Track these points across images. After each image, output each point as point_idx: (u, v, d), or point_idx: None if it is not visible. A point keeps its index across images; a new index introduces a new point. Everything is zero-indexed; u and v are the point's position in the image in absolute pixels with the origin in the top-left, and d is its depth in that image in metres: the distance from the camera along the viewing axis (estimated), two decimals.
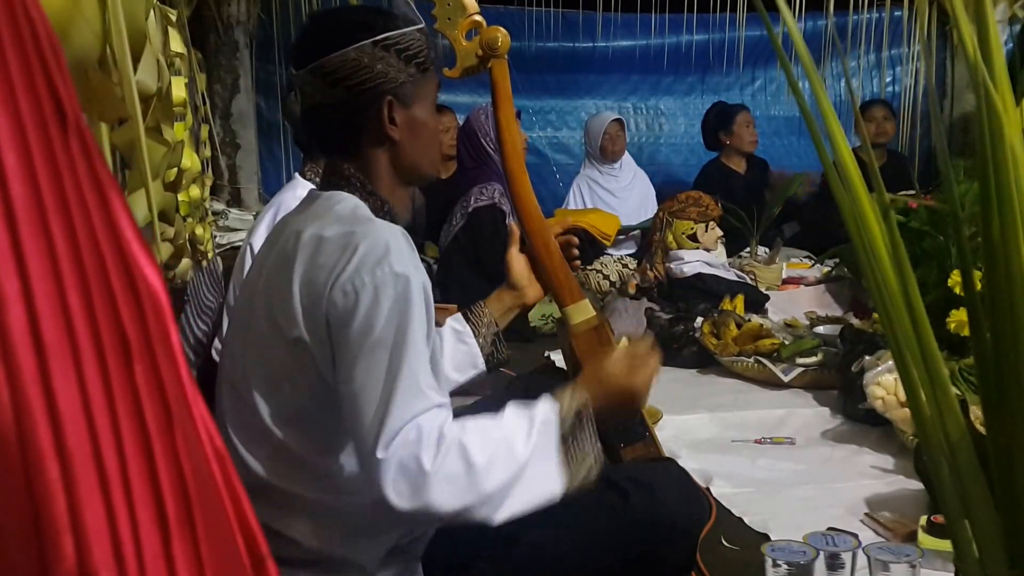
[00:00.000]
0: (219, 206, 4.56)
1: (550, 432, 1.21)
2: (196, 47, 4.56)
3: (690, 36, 5.67)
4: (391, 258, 1.13)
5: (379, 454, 1.09)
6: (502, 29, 1.62)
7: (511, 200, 1.69)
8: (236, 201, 5.04)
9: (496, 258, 3.37)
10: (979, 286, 1.99)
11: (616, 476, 1.42)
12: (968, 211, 2.19)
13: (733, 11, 5.54)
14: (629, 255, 4.27)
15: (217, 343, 2.23)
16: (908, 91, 5.83)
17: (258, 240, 2.13)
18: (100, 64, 0.98)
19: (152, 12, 1.34)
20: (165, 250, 1.89)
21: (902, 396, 1.91)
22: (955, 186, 1.14)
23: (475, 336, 1.57)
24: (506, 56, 1.65)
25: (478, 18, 1.64)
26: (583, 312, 1.69)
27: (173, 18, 2.81)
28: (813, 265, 3.84)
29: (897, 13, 5.73)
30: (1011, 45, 4.47)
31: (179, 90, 2.62)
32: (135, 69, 1.21)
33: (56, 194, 0.41)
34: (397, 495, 1.09)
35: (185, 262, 2.06)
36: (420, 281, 1.16)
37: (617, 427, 1.60)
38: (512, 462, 1.16)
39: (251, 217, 4.56)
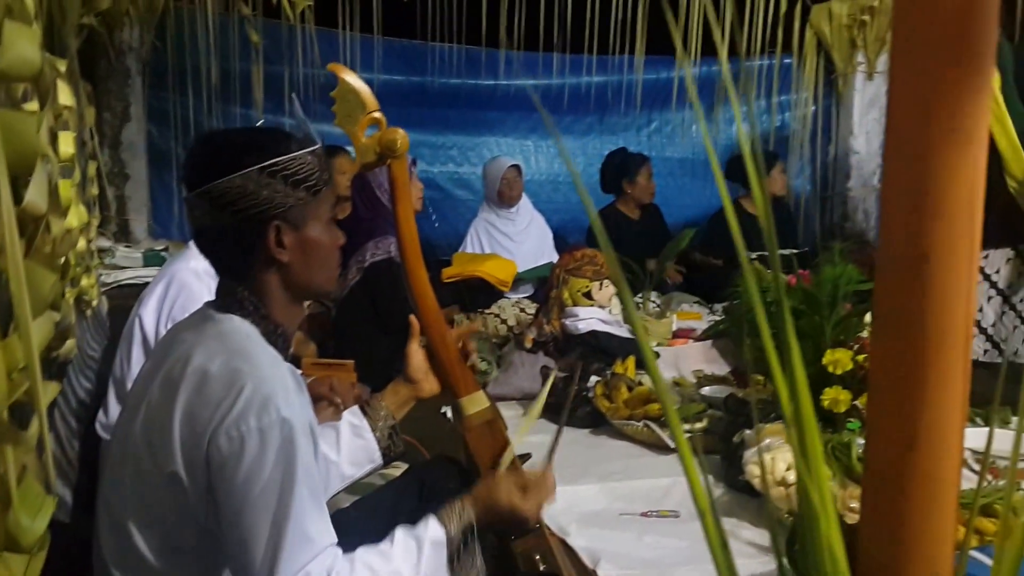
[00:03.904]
0: (105, 243, 4.40)
1: (439, 554, 1.24)
2: (85, 75, 4.42)
3: (590, 77, 5.82)
4: (277, 401, 1.13)
5: None
6: (400, 131, 1.64)
7: (409, 292, 1.71)
8: (124, 234, 4.88)
9: (393, 312, 3.41)
10: (850, 365, 2.09)
11: None
12: (843, 291, 2.33)
13: (632, 54, 5.71)
14: (527, 298, 4.34)
15: (101, 415, 2.17)
16: (796, 135, 6.13)
17: (148, 315, 2.08)
18: None
19: (44, 126, 1.31)
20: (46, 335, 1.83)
21: (779, 475, 2.00)
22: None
23: (372, 430, 1.59)
24: (406, 155, 1.67)
25: (378, 115, 1.66)
26: (477, 404, 1.72)
27: (62, 69, 2.73)
28: (708, 309, 3.98)
29: (787, 60, 6.02)
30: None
31: (67, 146, 2.54)
32: (25, 189, 1.19)
33: None
34: None
35: (70, 342, 1.99)
36: (306, 420, 1.17)
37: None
38: None
39: (139, 255, 4.43)
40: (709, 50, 5.79)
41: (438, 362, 1.70)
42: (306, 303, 1.38)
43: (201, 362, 1.18)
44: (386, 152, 1.63)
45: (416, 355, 1.67)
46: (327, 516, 1.19)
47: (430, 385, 1.68)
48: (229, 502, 1.12)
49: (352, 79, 1.65)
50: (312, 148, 1.30)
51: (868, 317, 2.26)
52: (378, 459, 1.60)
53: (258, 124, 2.35)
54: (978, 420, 2.56)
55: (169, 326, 2.08)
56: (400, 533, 1.27)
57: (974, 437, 2.30)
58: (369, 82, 5.39)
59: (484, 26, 5.55)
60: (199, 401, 1.15)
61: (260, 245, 1.25)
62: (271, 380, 1.15)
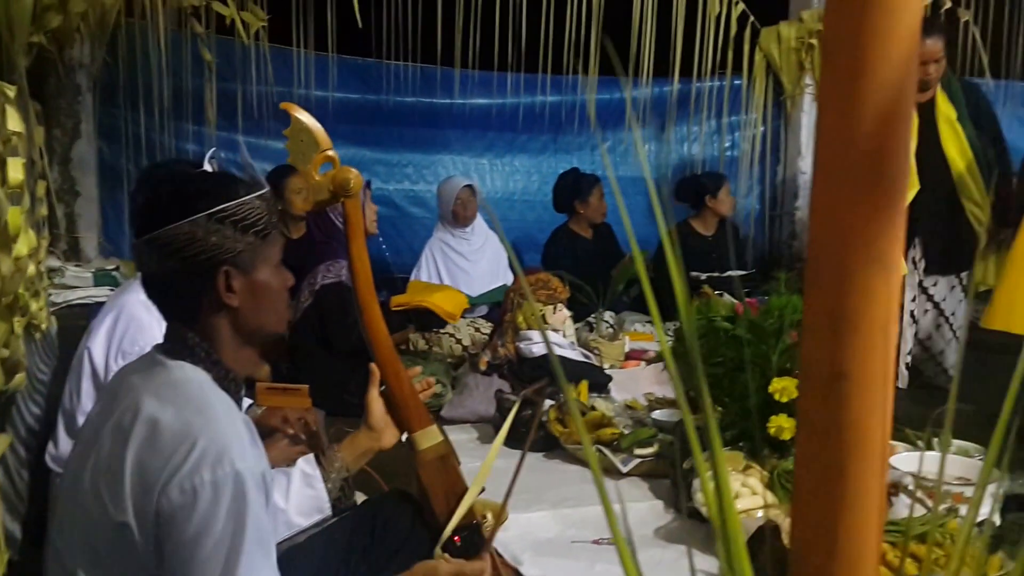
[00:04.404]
0: (55, 263, 4.33)
1: None
2: (34, 94, 4.35)
3: (544, 97, 5.88)
4: (232, 454, 1.14)
5: None
6: (354, 171, 1.66)
7: (362, 328, 1.72)
8: (74, 252, 4.81)
9: (341, 334, 3.41)
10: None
11: None
12: (788, 320, 2.39)
13: (586, 74, 5.78)
14: (482, 317, 4.37)
15: (51, 448, 2.14)
16: (746, 156, 6.25)
17: (97, 349, 2.06)
18: None
19: None
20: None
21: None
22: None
23: (324, 480, 1.59)
24: (359, 194, 1.69)
25: (331, 153, 1.67)
26: (431, 438, 1.74)
27: (11, 95, 2.69)
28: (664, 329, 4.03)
29: (737, 82, 6.14)
30: None
31: (16, 173, 2.51)
32: None
33: None
34: None
35: (19, 377, 1.97)
36: (259, 472, 1.17)
37: (458, 551, 1.65)
38: None
39: (89, 275, 4.37)
40: (661, 70, 5.89)
41: (392, 396, 1.72)
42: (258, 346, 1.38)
43: (152, 412, 1.17)
44: (339, 191, 1.64)
45: (376, 403, 1.67)
46: (275, 568, 1.20)
47: (391, 435, 1.69)
48: (178, 554, 1.12)
49: (305, 118, 1.66)
50: (260, 192, 1.30)
51: None
52: (327, 510, 1.60)
53: (208, 156, 2.34)
54: (919, 443, 2.65)
55: (119, 359, 2.07)
56: None
57: (912, 461, 2.38)
58: (324, 100, 5.37)
59: (439, 45, 5.57)
60: (151, 453, 1.14)
61: (209, 290, 1.25)
62: (225, 432, 1.16)
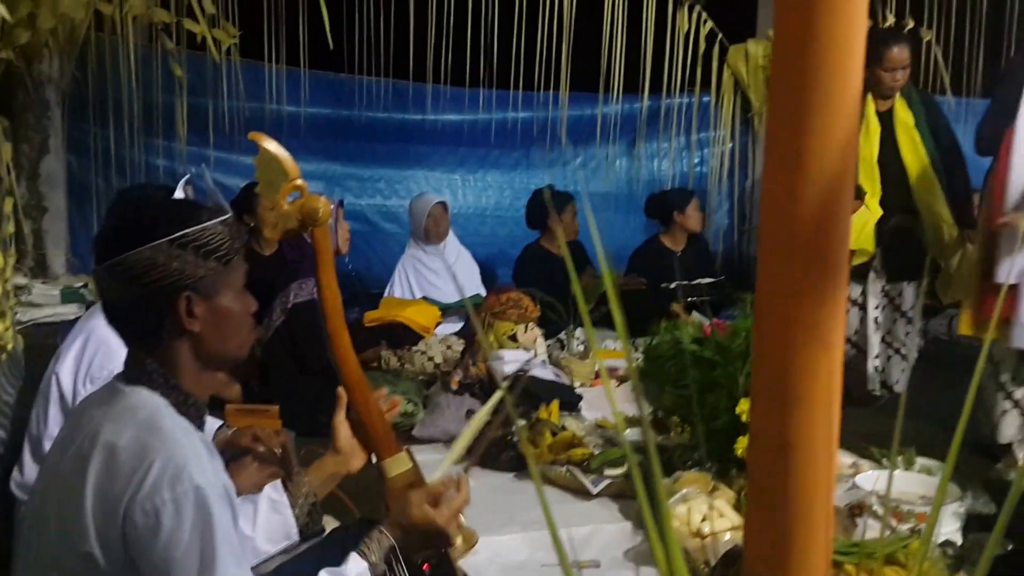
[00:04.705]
0: (21, 280, 4.28)
1: None
2: (1, 108, 4.31)
3: (516, 113, 5.91)
4: (190, 470, 1.14)
5: None
6: (322, 199, 1.66)
7: (332, 356, 1.73)
8: (41, 269, 4.76)
9: (317, 353, 3.40)
10: None
11: None
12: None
13: (557, 90, 5.83)
14: (454, 335, 4.37)
15: (16, 474, 2.11)
16: (715, 172, 6.32)
17: (66, 373, 2.05)
18: None
19: None
20: None
21: (694, 526, 2.08)
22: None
23: (291, 506, 1.59)
24: (328, 223, 1.69)
25: (300, 182, 1.67)
26: (400, 465, 1.75)
27: None
28: (632, 344, 4.07)
29: (706, 99, 6.22)
30: None
31: None
32: None
33: None
34: None
35: None
36: (220, 485, 1.18)
37: None
38: None
39: (57, 292, 4.32)
40: (631, 87, 5.95)
41: (361, 422, 1.72)
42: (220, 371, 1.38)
43: (109, 438, 1.18)
44: (308, 221, 1.65)
45: (342, 427, 1.68)
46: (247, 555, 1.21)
47: (359, 458, 1.70)
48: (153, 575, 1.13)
49: (273, 147, 1.67)
50: (223, 218, 1.30)
51: None
52: (294, 536, 1.60)
53: (183, 181, 2.33)
54: (885, 462, 2.68)
55: (88, 384, 2.05)
56: (324, 575, 1.30)
57: (877, 480, 2.42)
58: (296, 115, 5.36)
59: (411, 60, 5.59)
60: (109, 477, 1.15)
61: (170, 316, 1.25)
62: (182, 450, 1.16)
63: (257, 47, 5.43)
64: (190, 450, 1.18)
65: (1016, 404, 3.12)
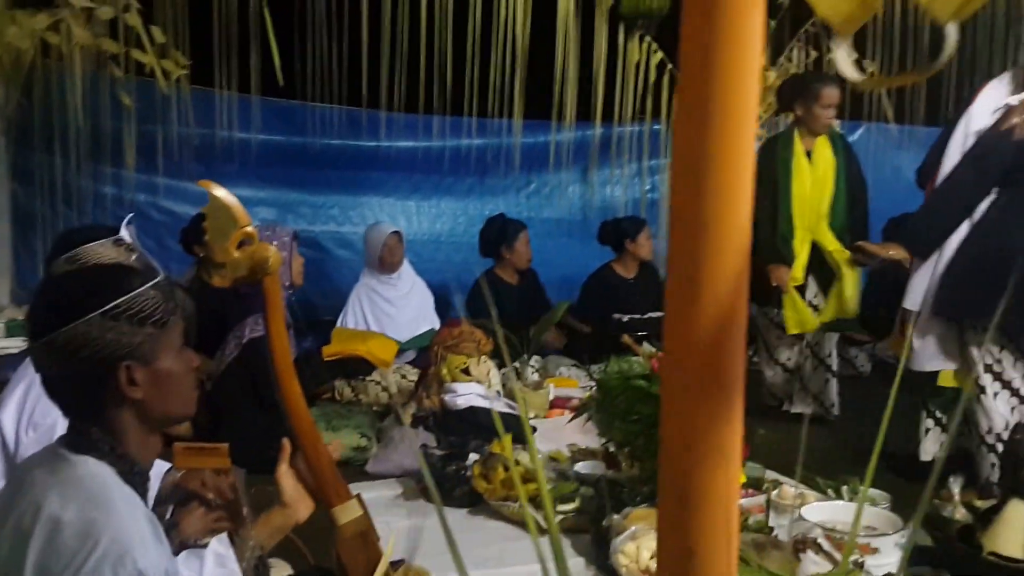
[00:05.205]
0: None
1: None
2: None
3: (470, 140, 5.94)
4: (134, 554, 1.13)
5: None
6: (271, 248, 1.67)
7: (281, 405, 1.73)
8: None
9: (272, 388, 3.38)
10: None
11: None
12: None
13: (511, 117, 5.87)
14: (408, 363, 4.37)
15: None
16: (665, 198, 6.41)
17: (8, 419, 2.01)
18: None
19: None
20: None
21: (643, 563, 2.10)
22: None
23: (238, 560, 1.59)
24: (277, 272, 1.70)
25: (250, 230, 1.68)
26: (350, 512, 1.76)
27: None
28: (586, 372, 4.09)
29: (656, 127, 6.31)
30: None
31: None
32: None
33: None
34: None
35: None
36: (162, 571, 1.17)
37: None
38: None
39: (1, 325, 4.24)
40: (583, 115, 6.02)
41: (311, 470, 1.72)
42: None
43: (54, 511, 1.16)
44: (258, 270, 1.65)
45: (287, 479, 1.68)
46: None
47: (305, 508, 1.70)
48: None
49: (223, 195, 1.67)
50: (155, 281, 1.29)
51: None
52: None
53: (125, 221, 2.30)
54: (830, 492, 2.74)
55: (30, 431, 2.02)
56: None
57: (824, 511, 2.47)
58: (247, 142, 5.31)
59: (365, 87, 5.60)
60: (51, 554, 1.13)
61: (111, 386, 1.24)
62: (128, 530, 1.15)
63: (208, 74, 5.40)
64: (136, 531, 1.16)
65: (938, 422, 3.24)
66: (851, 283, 4.01)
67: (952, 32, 0.46)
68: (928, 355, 3.06)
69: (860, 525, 2.33)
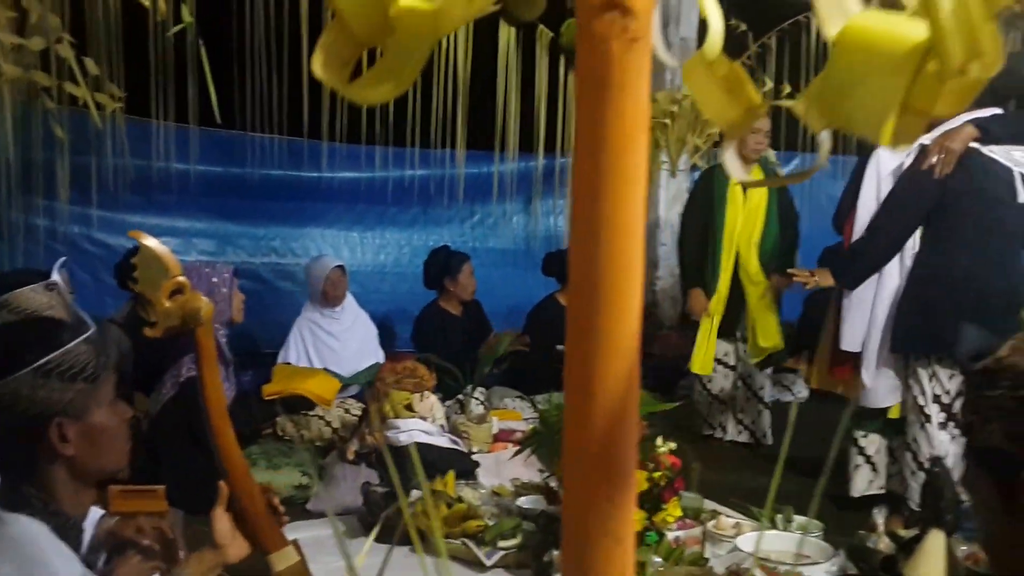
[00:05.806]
0: None
1: None
2: None
3: (413, 170, 5.94)
4: None
5: None
6: (204, 299, 1.66)
7: (215, 452, 1.72)
8: None
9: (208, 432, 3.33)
10: (646, 484, 2.23)
11: None
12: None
13: (454, 148, 5.90)
14: (352, 397, 4.34)
15: None
16: None
17: None
18: None
19: None
20: None
21: None
22: None
23: None
24: (210, 322, 1.69)
25: (182, 279, 1.67)
26: (287, 559, 1.74)
27: None
28: (530, 403, 4.11)
29: None
30: None
31: None
32: None
33: None
34: None
35: None
36: None
37: None
38: None
39: None
40: (526, 146, 6.08)
41: (246, 517, 1.71)
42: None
43: None
44: (190, 320, 1.64)
45: (220, 520, 1.67)
46: None
47: (237, 549, 1.68)
48: None
49: (154, 244, 1.66)
50: (85, 335, 1.29)
51: (660, 439, 2.45)
52: None
53: (57, 265, 2.27)
54: (764, 521, 2.79)
55: None
56: None
57: (756, 541, 2.52)
58: (185, 173, 5.22)
59: (306, 117, 5.57)
60: None
61: (42, 443, 1.23)
62: None
63: (144, 104, 5.32)
64: None
65: (868, 459, 3.32)
66: (764, 326, 4.12)
67: (826, 139, 0.50)
68: (883, 392, 3.16)
69: (795, 551, 2.39)
